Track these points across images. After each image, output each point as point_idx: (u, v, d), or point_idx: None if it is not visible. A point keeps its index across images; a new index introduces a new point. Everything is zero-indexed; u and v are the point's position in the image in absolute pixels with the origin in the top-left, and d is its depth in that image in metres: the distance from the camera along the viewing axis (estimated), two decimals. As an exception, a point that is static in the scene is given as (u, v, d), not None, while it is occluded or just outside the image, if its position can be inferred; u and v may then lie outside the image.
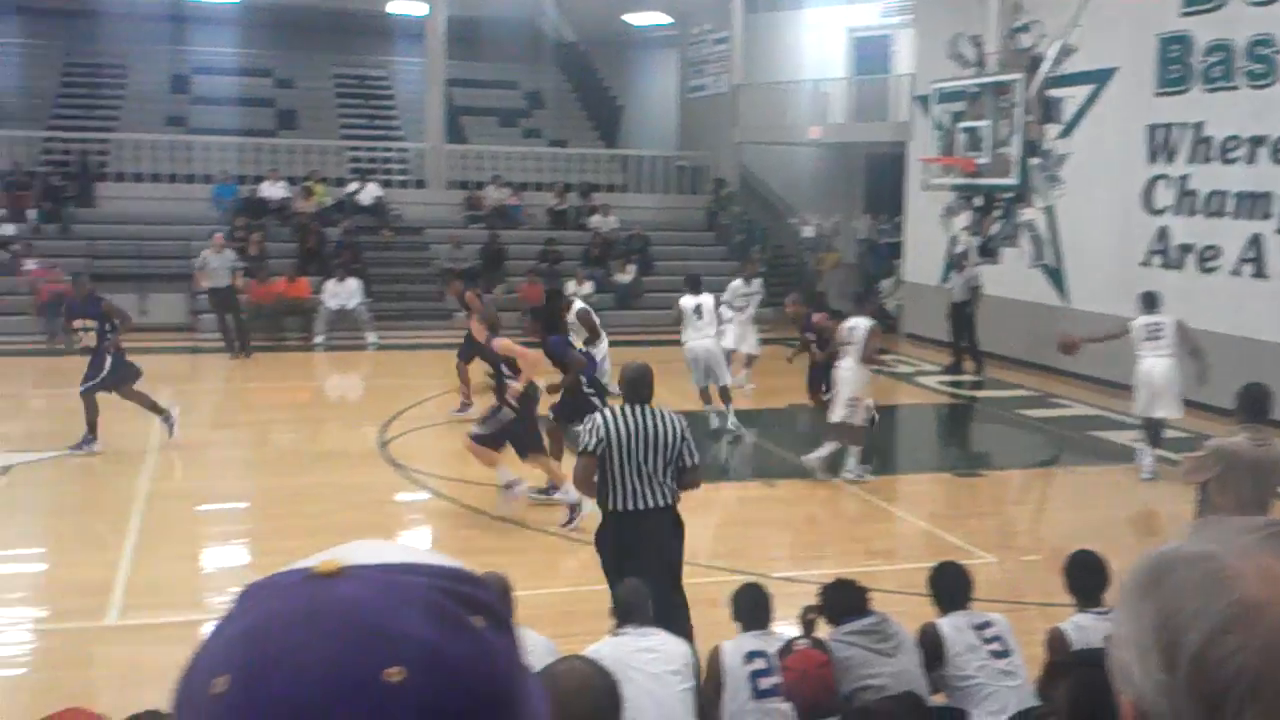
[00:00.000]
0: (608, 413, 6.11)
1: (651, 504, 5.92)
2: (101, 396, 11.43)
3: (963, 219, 19.24)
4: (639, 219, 23.64)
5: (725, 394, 12.91)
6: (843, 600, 5.33)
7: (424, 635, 0.74)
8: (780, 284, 24.22)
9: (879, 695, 4.99)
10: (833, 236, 24.07)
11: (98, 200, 21.82)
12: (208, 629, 0.81)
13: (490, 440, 9.48)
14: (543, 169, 25.24)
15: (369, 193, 22.65)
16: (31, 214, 20.73)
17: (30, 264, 19.13)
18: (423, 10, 24.07)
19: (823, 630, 5.30)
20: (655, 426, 5.94)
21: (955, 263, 18.35)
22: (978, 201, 18.90)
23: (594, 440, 5.90)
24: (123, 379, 11.60)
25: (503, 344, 9.45)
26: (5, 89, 24.48)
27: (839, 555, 9.26)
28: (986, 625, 5.39)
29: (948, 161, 18.86)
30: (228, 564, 9.06)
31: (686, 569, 6.37)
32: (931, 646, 5.29)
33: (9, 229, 20.15)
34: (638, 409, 6.01)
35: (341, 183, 23.13)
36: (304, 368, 18.09)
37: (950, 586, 5.59)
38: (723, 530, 9.85)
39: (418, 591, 0.76)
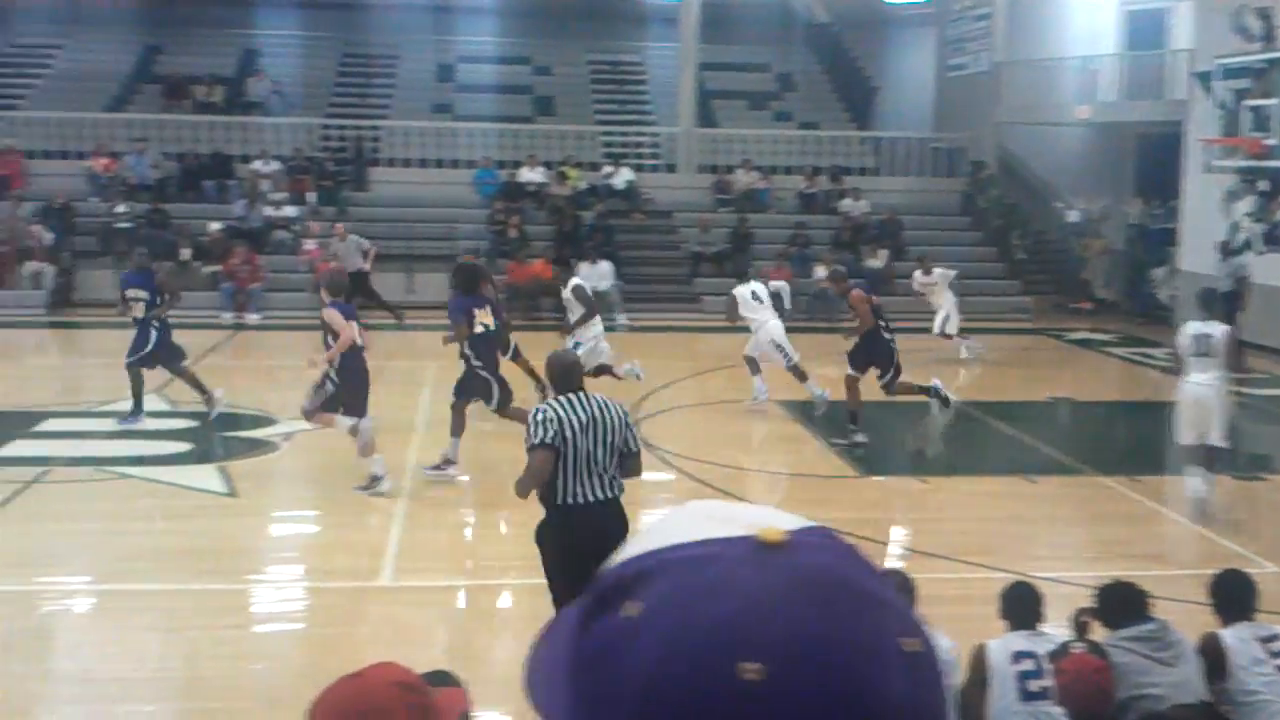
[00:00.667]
0: (560, 402, 5.64)
1: (600, 496, 5.59)
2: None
3: (1246, 204, 17.95)
4: (891, 203, 23.13)
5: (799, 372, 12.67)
6: (1121, 603, 5.06)
7: (902, 602, 0.71)
8: (1040, 272, 23.31)
9: (1158, 706, 4.72)
10: (1100, 222, 22.89)
11: (370, 184, 23.07)
12: (623, 614, 0.75)
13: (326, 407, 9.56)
14: (792, 152, 25.04)
15: (622, 177, 23.06)
16: (311, 197, 22.10)
17: (309, 244, 20.38)
18: (677, -5, 24.27)
19: (1098, 634, 5.04)
20: (601, 414, 5.62)
21: (1226, 250, 17.15)
22: (1263, 185, 17.58)
23: (549, 432, 5.46)
24: (170, 356, 11.79)
25: (327, 314, 9.48)
26: (288, 79, 26.14)
27: (1103, 557, 8.81)
28: (1274, 638, 5.01)
29: (1232, 142, 17.62)
30: (486, 532, 9.40)
31: (945, 564, 6.19)
32: (1213, 658, 4.96)
33: (290, 211, 21.55)
34: (581, 397, 5.67)
35: (595, 167, 23.62)
36: (556, 348, 18.58)
37: (1234, 595, 5.22)
38: (982, 526, 9.53)
39: (865, 559, 0.74)
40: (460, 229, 21.60)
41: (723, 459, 10.58)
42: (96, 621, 7.42)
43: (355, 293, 18.00)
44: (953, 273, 16.99)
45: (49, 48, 27.34)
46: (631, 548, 0.81)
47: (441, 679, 3.38)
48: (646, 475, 10.73)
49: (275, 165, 22.46)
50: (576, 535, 5.44)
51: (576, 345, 11.57)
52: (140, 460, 10.46)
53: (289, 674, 6.62)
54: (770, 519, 0.78)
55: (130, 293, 11.68)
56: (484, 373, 10.02)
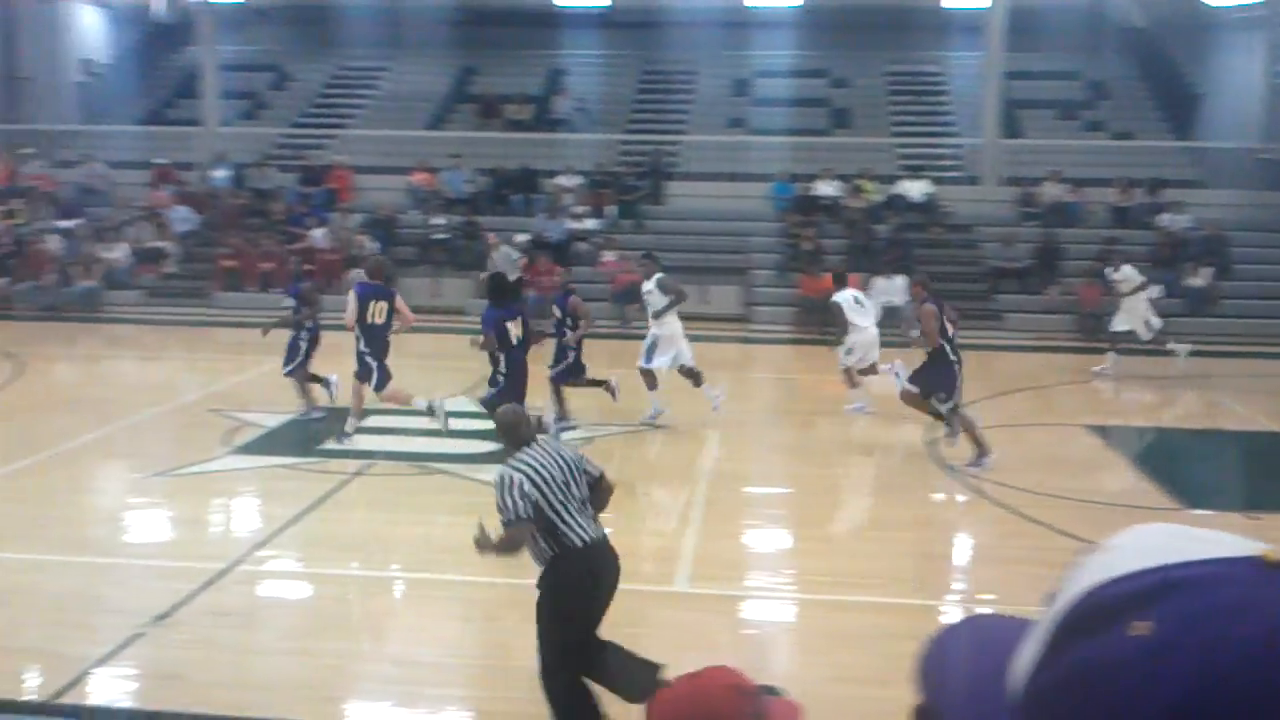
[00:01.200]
0: (520, 465, 5.40)
1: (595, 533, 5.51)
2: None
3: None
4: (1215, 218, 21.54)
5: (873, 369, 13.25)
6: None
7: None
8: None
9: None
10: None
11: (667, 198, 23.51)
12: (1131, 632, 0.74)
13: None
14: (1105, 163, 23.73)
15: (919, 189, 22.52)
16: (610, 210, 22.73)
17: (608, 256, 20.95)
18: (982, 3, 23.50)
19: None
20: (558, 457, 5.52)
21: None
22: None
23: (522, 505, 5.29)
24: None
25: None
26: (591, 96, 27.02)
27: None
28: None
29: None
30: (778, 545, 9.33)
31: None
32: None
33: (590, 224, 22.24)
34: (535, 448, 5.52)
35: (892, 180, 23.18)
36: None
37: None
38: None
39: None
40: (753, 242, 21.69)
41: (1027, 483, 10.09)
42: (408, 607, 7.82)
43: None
44: (1142, 279, 16.19)
45: (376, 70, 29.41)
46: (1097, 570, 0.79)
47: (771, 691, 3.30)
48: (935, 494, 10.53)
49: (578, 180, 23.25)
50: (596, 571, 5.45)
51: (654, 339, 12.63)
52: (454, 458, 10.99)
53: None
54: (1247, 542, 0.79)
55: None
56: (508, 381, 10.66)
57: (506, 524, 5.35)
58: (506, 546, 5.45)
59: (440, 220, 21.99)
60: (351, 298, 11.56)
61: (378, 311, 11.47)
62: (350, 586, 8.02)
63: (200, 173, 23.97)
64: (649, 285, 12.92)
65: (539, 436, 5.68)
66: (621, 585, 8.10)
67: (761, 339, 19.14)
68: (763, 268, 21.24)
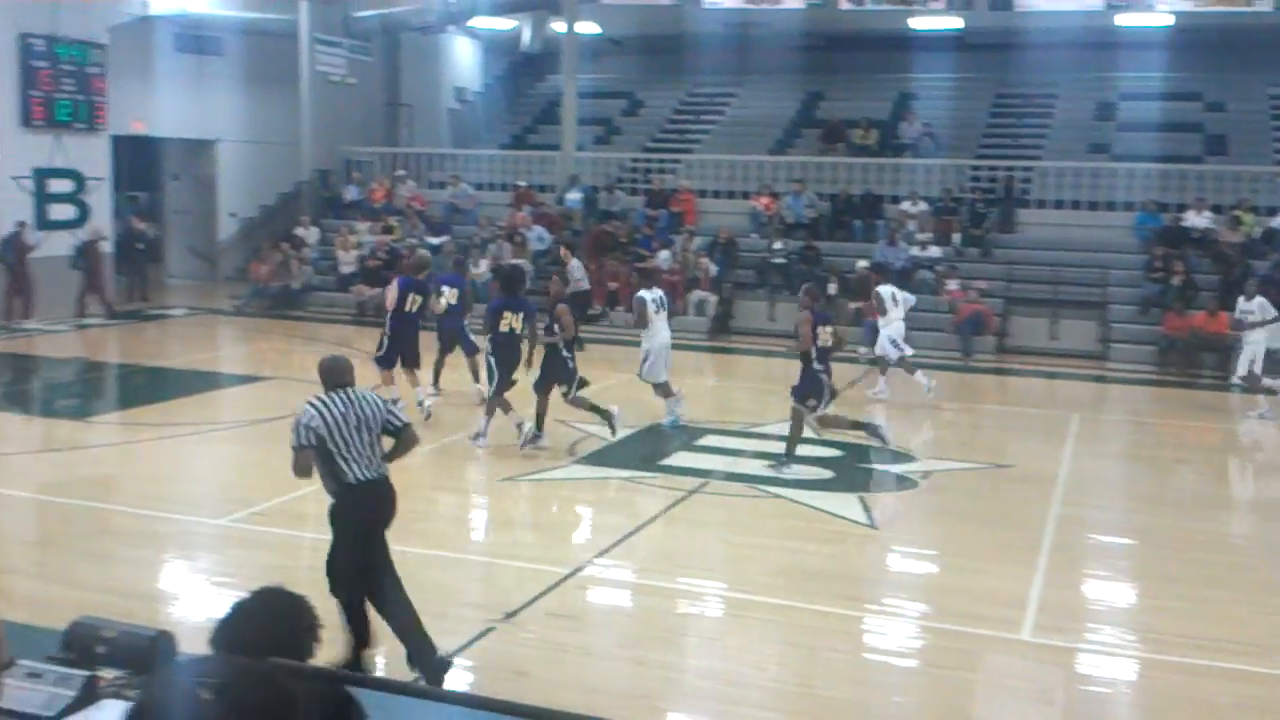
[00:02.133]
0: (317, 403, 6.24)
1: (377, 475, 6.31)
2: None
3: None
4: None
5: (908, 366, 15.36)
6: None
7: None
8: None
9: None
10: None
11: (1017, 226, 22.58)
12: None
13: None
14: None
15: (1304, 223, 20.54)
16: (955, 238, 22.09)
17: (951, 285, 20.34)
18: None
19: None
20: (359, 406, 6.28)
21: None
22: None
23: (304, 435, 6.16)
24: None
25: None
26: (939, 121, 26.38)
27: None
28: None
29: None
30: (1131, 600, 8.68)
31: None
32: None
33: (934, 251, 21.68)
34: (341, 394, 6.30)
35: (1272, 212, 21.26)
36: (1215, 408, 16.84)
37: None
38: None
39: None
40: (1112, 275, 20.47)
41: None
42: (735, 626, 7.81)
43: (582, 313, 18.76)
44: (1275, 313, 14.90)
45: (724, 96, 29.99)
46: None
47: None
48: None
49: (922, 206, 22.76)
50: (363, 510, 6.31)
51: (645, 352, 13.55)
52: (786, 483, 10.95)
53: (911, 709, 6.60)
54: None
55: (445, 289, 14.08)
56: (500, 369, 11.69)
57: (293, 448, 6.21)
58: (294, 467, 6.30)
59: (779, 244, 22.09)
60: (393, 288, 13.30)
61: (412, 303, 13.25)
62: (682, 600, 8.11)
63: (556, 195, 25.22)
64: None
65: (354, 389, 6.41)
66: (961, 627, 7.84)
67: (1119, 378, 18.02)
68: (1123, 303, 19.97)
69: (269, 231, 26.09)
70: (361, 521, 6.31)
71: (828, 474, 11.50)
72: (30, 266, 20.56)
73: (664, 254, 21.86)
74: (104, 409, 15.07)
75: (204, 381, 16.16)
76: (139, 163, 26.56)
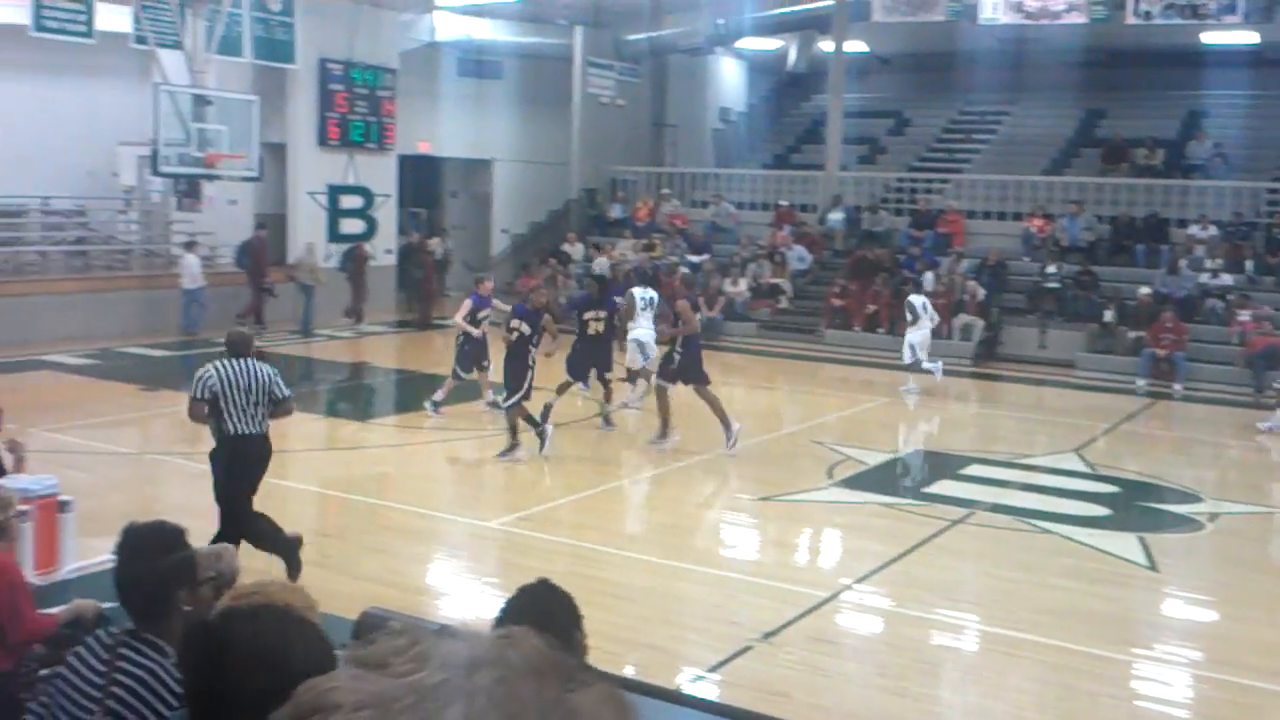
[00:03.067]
0: (218, 365, 7.54)
1: (254, 430, 7.59)
2: None
3: None
4: None
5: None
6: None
7: None
8: None
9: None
10: None
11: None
12: None
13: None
14: None
15: None
16: (1248, 265, 20.60)
17: (1244, 315, 18.95)
18: None
19: None
20: (251, 373, 7.56)
21: None
22: None
23: (200, 390, 7.50)
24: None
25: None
26: (1232, 141, 24.70)
27: None
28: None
29: None
30: None
31: None
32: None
33: (1225, 279, 20.28)
34: (236, 361, 7.58)
35: None
36: None
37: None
38: None
39: None
40: None
41: None
42: (992, 662, 7.47)
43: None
44: None
45: (996, 115, 29.04)
46: None
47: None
48: None
49: (1212, 230, 21.34)
50: (239, 457, 7.63)
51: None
52: (1059, 518, 10.43)
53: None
54: None
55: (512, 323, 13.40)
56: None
57: (191, 398, 7.59)
58: (189, 413, 7.70)
59: (1053, 268, 21.16)
60: (468, 304, 13.75)
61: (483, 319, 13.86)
62: (943, 633, 7.84)
63: (818, 214, 25.04)
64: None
65: (251, 360, 7.66)
66: (1237, 679, 7.24)
67: None
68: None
69: (538, 247, 27.01)
70: (230, 464, 7.64)
71: (1104, 511, 10.89)
72: (366, 276, 22.37)
73: (928, 275, 21.33)
74: (383, 411, 15.91)
75: (474, 390, 16.83)
76: (421, 180, 28.05)
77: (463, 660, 0.88)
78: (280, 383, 7.77)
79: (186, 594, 3.19)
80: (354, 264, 22.61)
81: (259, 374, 7.59)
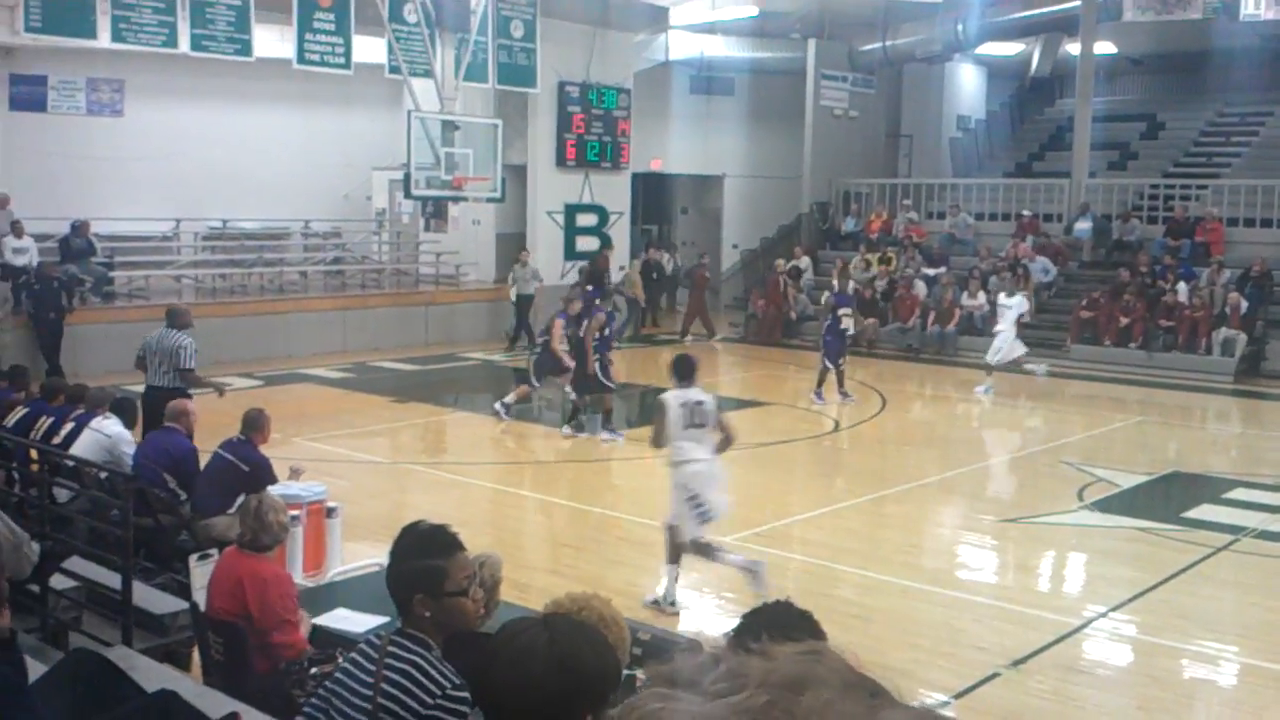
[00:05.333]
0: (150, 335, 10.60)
1: (158, 384, 10.34)
2: None
3: None
4: None
5: None
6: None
7: None
8: None
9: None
10: None
11: None
12: None
13: None
14: None
15: None
16: None
17: None
18: None
19: None
20: (160, 341, 10.47)
21: None
22: None
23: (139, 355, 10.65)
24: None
25: None
26: None
27: None
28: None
29: None
30: None
31: None
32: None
33: None
34: (161, 332, 10.52)
35: None
36: None
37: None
38: None
39: None
40: None
41: None
42: (1258, 697, 6.94)
43: (520, 319, 20.78)
44: None
45: (1258, 115, 27.21)
46: None
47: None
48: None
49: None
50: (147, 403, 9.58)
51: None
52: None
53: None
54: None
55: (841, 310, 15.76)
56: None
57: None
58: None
59: (1327, 279, 19.62)
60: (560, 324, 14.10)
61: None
62: (1204, 665, 7.37)
63: (1064, 224, 24.03)
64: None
65: (164, 330, 10.52)
66: None
67: None
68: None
69: (768, 262, 26.98)
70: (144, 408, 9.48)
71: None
72: (705, 294, 24.06)
73: (1181, 287, 20.14)
74: (617, 425, 16.17)
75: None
76: (653, 197, 28.47)
77: (780, 679, 0.86)
78: (189, 353, 10.52)
79: (426, 599, 3.26)
80: (695, 283, 24.01)
81: (173, 341, 10.50)
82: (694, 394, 7.82)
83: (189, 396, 9.56)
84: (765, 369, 20.51)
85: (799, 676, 0.86)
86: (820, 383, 16.03)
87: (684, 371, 7.79)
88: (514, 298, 21.26)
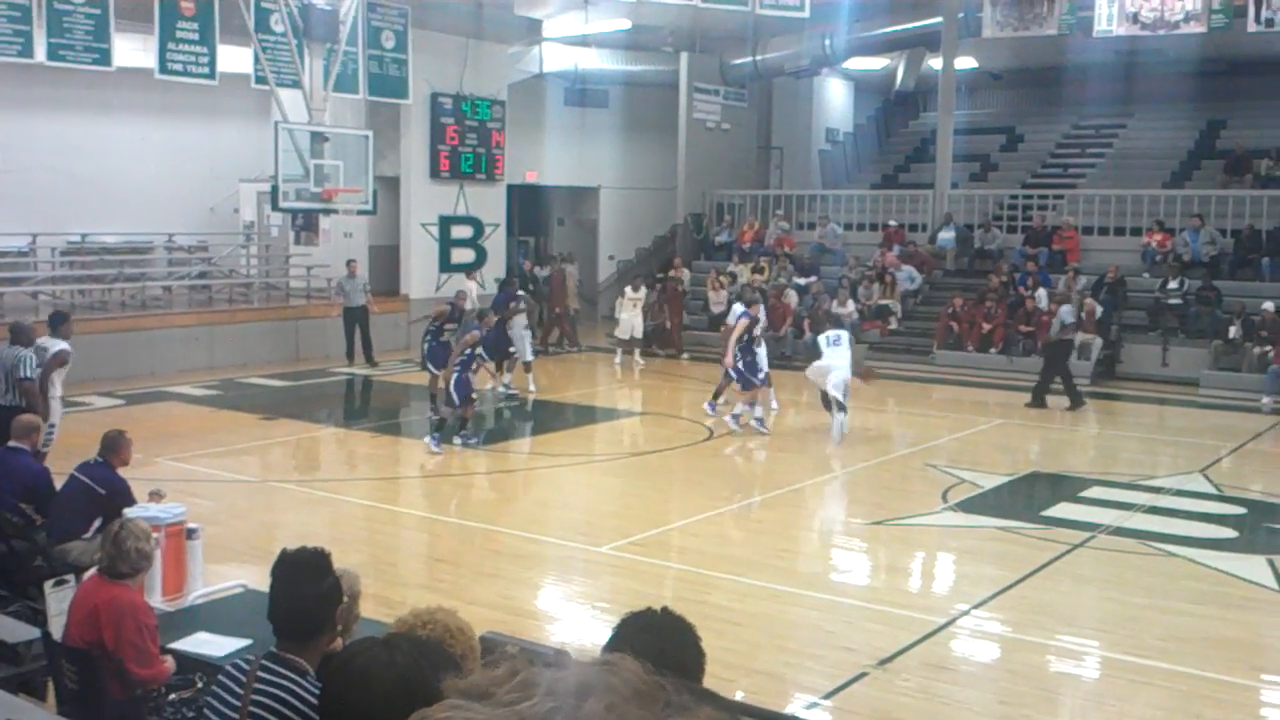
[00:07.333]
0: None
1: (6, 403, 10.14)
2: None
3: None
4: None
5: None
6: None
7: None
8: None
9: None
10: None
11: None
12: None
13: None
14: None
15: None
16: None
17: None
18: None
19: None
20: (5, 358, 10.35)
21: None
22: None
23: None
24: None
25: None
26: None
27: None
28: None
29: None
30: None
31: None
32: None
33: (1359, 291, 19.47)
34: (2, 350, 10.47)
35: None
36: None
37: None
38: None
39: None
40: None
41: None
42: (1117, 689, 7.19)
43: (354, 326, 20.27)
44: None
45: (1111, 128, 28.37)
46: None
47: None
48: None
49: (1343, 241, 20.52)
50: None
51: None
52: (1184, 541, 10.10)
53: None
54: None
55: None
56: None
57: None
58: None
59: (1174, 284, 20.54)
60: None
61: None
62: (1066, 660, 7.63)
63: (929, 234, 24.70)
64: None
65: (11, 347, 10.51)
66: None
67: None
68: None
69: (644, 273, 27.14)
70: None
71: (1232, 533, 10.51)
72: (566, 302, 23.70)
73: (1041, 293, 20.87)
74: (497, 438, 16.12)
75: (584, 415, 16.98)
76: (529, 209, 28.42)
77: (569, 687, 0.89)
78: (30, 365, 10.41)
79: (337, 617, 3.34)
80: (552, 289, 23.39)
81: (11, 356, 10.44)
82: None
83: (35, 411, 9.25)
84: (644, 379, 20.61)
85: (585, 684, 0.89)
86: (718, 394, 15.89)
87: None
88: (342, 311, 20.47)
